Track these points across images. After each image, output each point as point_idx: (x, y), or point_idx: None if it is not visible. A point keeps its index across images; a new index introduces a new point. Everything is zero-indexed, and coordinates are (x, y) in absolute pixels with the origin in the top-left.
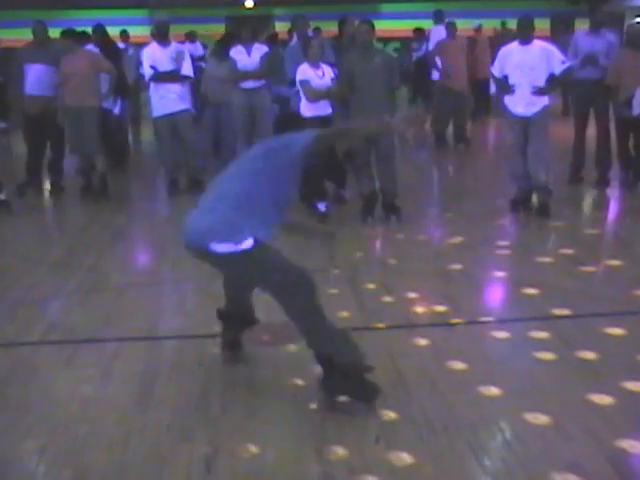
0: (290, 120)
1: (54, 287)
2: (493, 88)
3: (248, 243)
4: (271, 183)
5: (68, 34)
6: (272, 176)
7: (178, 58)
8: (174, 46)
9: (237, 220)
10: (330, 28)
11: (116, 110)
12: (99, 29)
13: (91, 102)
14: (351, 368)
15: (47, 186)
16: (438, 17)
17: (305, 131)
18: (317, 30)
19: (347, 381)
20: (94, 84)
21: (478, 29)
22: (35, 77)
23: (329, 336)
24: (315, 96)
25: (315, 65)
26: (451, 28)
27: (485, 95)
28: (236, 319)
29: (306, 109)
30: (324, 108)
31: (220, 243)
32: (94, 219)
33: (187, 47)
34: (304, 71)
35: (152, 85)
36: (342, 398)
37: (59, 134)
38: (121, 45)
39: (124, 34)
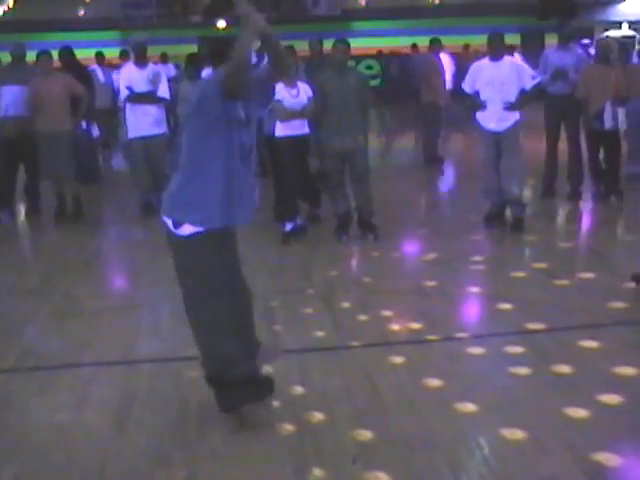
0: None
1: (28, 313)
2: None
3: (186, 229)
4: (204, 139)
5: (43, 56)
6: (202, 130)
7: (155, 80)
8: (151, 67)
9: (183, 192)
10: (303, 48)
11: (95, 133)
12: (66, 51)
13: (65, 126)
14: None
15: (22, 210)
16: None
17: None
18: (290, 48)
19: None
20: (67, 108)
21: None
22: (10, 98)
23: (213, 356)
24: (286, 116)
25: (290, 84)
26: (436, 44)
27: None
28: None
29: (280, 129)
30: (299, 127)
31: (167, 217)
32: (68, 244)
33: (160, 68)
34: (278, 91)
35: (128, 106)
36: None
37: (35, 156)
38: (93, 67)
39: (99, 55)
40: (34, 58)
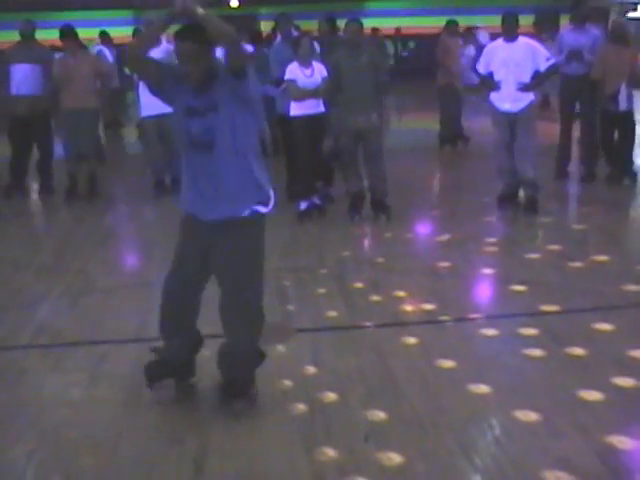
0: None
1: (42, 290)
2: None
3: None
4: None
5: (69, 35)
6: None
7: (168, 58)
8: (164, 45)
9: None
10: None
11: None
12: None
13: (91, 104)
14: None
15: (34, 188)
16: None
17: None
18: (296, 28)
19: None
20: (93, 86)
21: None
22: (21, 76)
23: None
24: (300, 95)
25: (305, 64)
26: (451, 26)
27: None
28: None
29: (294, 108)
30: (314, 106)
31: None
32: (81, 222)
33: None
34: (292, 70)
35: (141, 85)
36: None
37: (47, 134)
38: (100, 47)
39: (104, 34)
40: (45, 37)
